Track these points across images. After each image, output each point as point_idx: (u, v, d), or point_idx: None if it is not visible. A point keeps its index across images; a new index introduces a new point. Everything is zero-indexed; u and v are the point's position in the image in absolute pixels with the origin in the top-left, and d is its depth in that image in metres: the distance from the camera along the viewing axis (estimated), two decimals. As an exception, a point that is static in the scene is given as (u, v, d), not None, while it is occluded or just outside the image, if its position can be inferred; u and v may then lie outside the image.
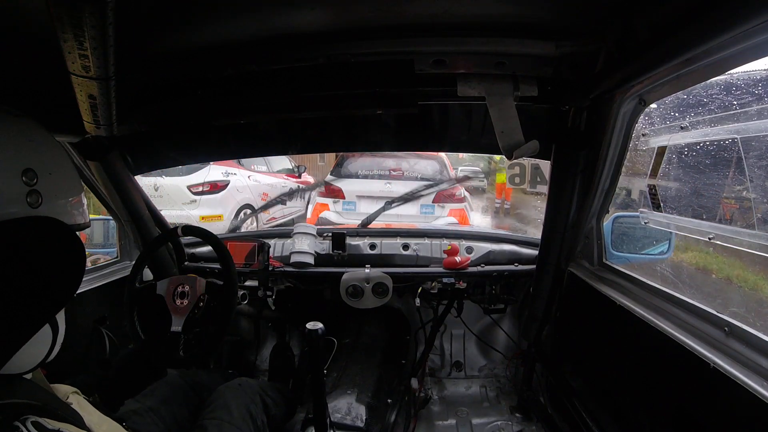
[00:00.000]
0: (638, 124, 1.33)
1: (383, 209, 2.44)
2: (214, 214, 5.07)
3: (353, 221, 3.08)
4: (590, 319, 1.61)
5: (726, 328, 0.98)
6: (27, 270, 0.61)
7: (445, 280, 1.97)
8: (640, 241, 1.83)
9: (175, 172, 4.92)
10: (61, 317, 0.76)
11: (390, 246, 2.10)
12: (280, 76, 1.27)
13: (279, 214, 6.55)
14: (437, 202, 4.84)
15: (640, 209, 1.69)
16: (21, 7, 0.81)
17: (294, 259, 1.97)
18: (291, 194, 6.16)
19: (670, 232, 1.75)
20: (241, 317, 2.32)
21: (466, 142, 1.79)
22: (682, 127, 1.53)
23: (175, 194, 4.93)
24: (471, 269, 2.00)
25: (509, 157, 1.35)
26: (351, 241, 2.10)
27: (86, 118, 1.11)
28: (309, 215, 5.26)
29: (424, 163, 5.12)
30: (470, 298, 2.14)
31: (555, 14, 1.06)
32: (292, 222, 6.61)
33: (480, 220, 8.69)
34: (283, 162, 6.98)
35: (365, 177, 5.01)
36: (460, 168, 13.63)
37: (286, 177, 6.76)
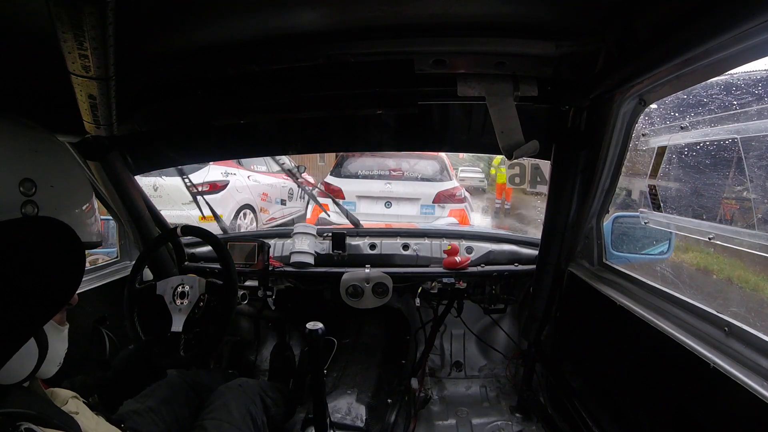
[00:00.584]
0: (638, 124, 1.33)
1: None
2: (214, 214, 5.05)
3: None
4: (590, 319, 1.60)
5: (726, 328, 0.98)
6: (26, 270, 0.61)
7: (445, 280, 1.97)
8: (640, 241, 1.83)
9: (175, 172, 4.90)
10: (59, 335, 0.76)
11: (390, 246, 2.10)
12: (280, 76, 1.27)
13: (279, 214, 6.55)
14: (437, 203, 4.84)
15: (640, 209, 1.69)
16: (21, 7, 0.81)
17: (294, 259, 1.97)
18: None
19: (670, 232, 1.75)
20: (241, 317, 2.32)
21: (466, 142, 1.79)
22: (682, 127, 1.53)
23: (175, 194, 4.92)
24: (471, 269, 2.00)
25: (509, 157, 1.35)
26: (351, 241, 2.10)
27: (86, 118, 1.11)
28: (309, 215, 5.26)
29: (424, 163, 5.12)
30: (470, 298, 2.14)
31: (555, 14, 1.06)
32: (292, 222, 6.61)
33: (480, 221, 8.69)
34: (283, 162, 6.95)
35: (365, 177, 5.01)
36: (460, 168, 13.66)
37: (285, 177, 6.75)
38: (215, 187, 5.15)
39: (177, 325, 1.40)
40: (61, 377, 0.79)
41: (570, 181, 1.51)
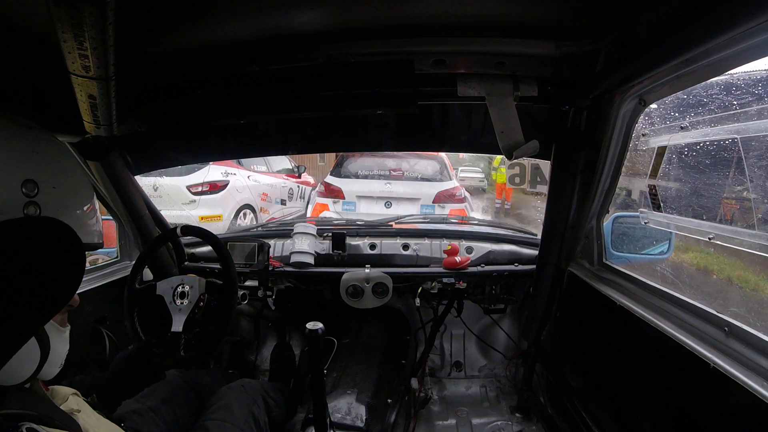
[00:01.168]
0: (638, 124, 1.33)
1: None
2: (214, 214, 5.06)
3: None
4: (590, 319, 1.60)
5: (726, 328, 0.98)
6: (25, 270, 0.61)
7: (445, 280, 1.97)
8: (640, 241, 1.83)
9: (175, 172, 4.91)
10: (61, 336, 0.76)
11: (390, 246, 2.10)
12: (280, 76, 1.27)
13: (279, 214, 6.56)
14: (437, 202, 4.84)
15: (640, 209, 1.69)
16: (21, 7, 0.81)
17: (294, 259, 1.97)
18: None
19: (670, 232, 1.75)
20: (241, 317, 2.32)
21: (466, 142, 1.79)
22: (682, 127, 1.53)
23: (175, 194, 4.92)
24: (471, 269, 2.00)
25: (509, 157, 1.35)
26: (351, 241, 2.10)
27: (86, 118, 1.11)
28: (309, 215, 5.26)
29: (424, 163, 5.12)
30: (470, 298, 2.14)
31: (555, 14, 1.06)
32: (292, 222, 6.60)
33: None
34: (283, 162, 6.98)
35: (365, 177, 5.01)
36: (460, 168, 13.66)
37: (285, 177, 6.77)
38: (215, 187, 5.15)
39: (177, 325, 1.40)
40: (60, 377, 0.79)
41: (570, 181, 1.51)
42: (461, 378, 2.32)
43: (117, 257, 1.91)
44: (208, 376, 1.53)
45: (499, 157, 6.65)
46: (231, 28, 1.08)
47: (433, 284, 2.00)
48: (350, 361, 1.91)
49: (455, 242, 2.07)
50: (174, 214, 4.71)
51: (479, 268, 2.00)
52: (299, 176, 7.15)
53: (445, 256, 2.02)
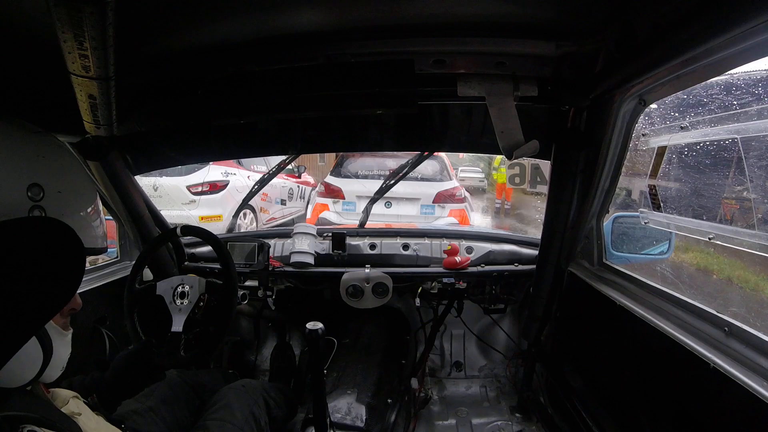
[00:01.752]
0: (638, 124, 1.33)
1: (373, 200, 2.43)
2: (214, 214, 5.06)
3: (353, 221, 3.08)
4: (590, 319, 1.60)
5: (726, 328, 0.98)
6: (25, 269, 0.61)
7: (445, 280, 1.97)
8: (640, 241, 1.83)
9: (175, 172, 4.92)
10: (63, 339, 0.76)
11: (390, 246, 2.10)
12: (280, 76, 1.27)
13: (279, 214, 6.55)
14: (437, 203, 4.84)
15: (640, 209, 1.69)
16: (21, 7, 0.81)
17: (294, 259, 1.97)
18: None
19: (670, 232, 1.75)
20: (241, 317, 2.32)
21: (466, 142, 1.79)
22: (682, 127, 1.53)
23: (175, 194, 4.92)
24: (471, 269, 2.00)
25: (509, 157, 1.35)
26: (351, 241, 2.10)
27: (86, 118, 1.11)
28: (309, 215, 5.25)
29: (424, 163, 5.09)
30: (470, 298, 2.14)
31: (555, 14, 1.06)
32: (292, 222, 6.62)
33: (480, 221, 8.70)
34: (283, 162, 6.94)
35: (365, 177, 5.01)
36: (460, 168, 13.66)
37: (286, 177, 6.76)
38: (215, 187, 5.15)
39: (177, 325, 1.40)
40: (61, 378, 0.79)
41: (570, 181, 1.51)
42: (461, 378, 2.32)
43: (117, 257, 1.91)
44: (208, 376, 1.53)
45: (499, 157, 6.65)
46: (231, 28, 1.08)
47: (433, 284, 2.00)
48: (350, 361, 1.91)
49: (455, 242, 2.07)
50: (174, 214, 4.71)
51: (479, 268, 2.00)
52: (299, 176, 7.15)
53: (445, 256, 2.02)
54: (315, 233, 2.06)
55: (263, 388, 1.42)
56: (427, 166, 5.07)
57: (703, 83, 1.16)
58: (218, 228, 4.59)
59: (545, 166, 1.88)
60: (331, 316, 1.57)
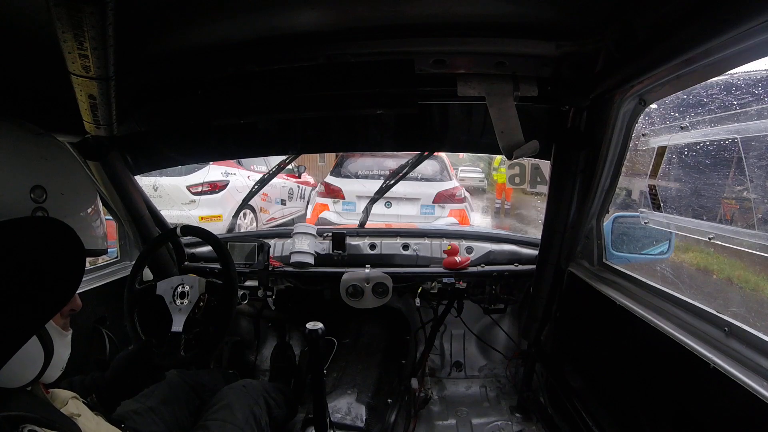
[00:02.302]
0: (638, 124, 1.33)
1: (373, 200, 2.43)
2: (214, 214, 5.06)
3: (353, 221, 3.08)
4: (590, 319, 1.60)
5: (726, 328, 0.98)
6: (25, 269, 0.61)
7: (445, 280, 1.97)
8: (640, 241, 1.83)
9: (175, 172, 4.92)
10: (63, 340, 0.76)
11: (390, 246, 2.10)
12: (280, 76, 1.27)
13: (279, 214, 6.55)
14: (437, 203, 4.84)
15: (640, 209, 1.69)
16: (21, 7, 0.81)
17: (294, 259, 1.97)
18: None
19: (670, 232, 1.75)
20: (241, 317, 2.32)
21: (466, 142, 1.79)
22: (682, 127, 1.53)
23: (175, 194, 4.93)
24: (471, 269, 2.00)
25: (509, 157, 1.35)
26: (351, 241, 2.10)
27: (86, 118, 1.11)
28: (309, 215, 5.25)
29: (424, 163, 5.09)
30: (470, 298, 2.14)
31: (555, 14, 1.06)
32: (292, 222, 6.62)
33: (480, 221, 8.70)
34: (283, 162, 6.94)
35: (365, 177, 5.01)
36: (460, 168, 13.66)
37: (286, 177, 6.76)
38: (215, 187, 5.15)
39: (177, 325, 1.40)
40: (60, 377, 0.79)
41: (570, 181, 1.51)
42: (461, 378, 2.32)
43: (117, 257, 1.91)
44: (208, 376, 1.53)
45: (499, 157, 6.64)
46: (231, 28, 1.08)
47: (433, 284, 2.00)
48: (350, 361, 1.91)
49: (455, 242, 2.07)
50: (174, 214, 4.71)
51: (479, 268, 2.00)
52: (299, 176, 7.14)
53: (445, 256, 2.02)
54: (315, 233, 2.06)
55: (264, 388, 1.42)
56: (427, 166, 5.07)
57: (703, 83, 1.16)
58: (218, 228, 4.59)
59: (545, 166, 1.88)
60: (331, 316, 1.57)
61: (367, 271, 1.96)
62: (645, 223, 1.66)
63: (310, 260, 1.99)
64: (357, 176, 5.05)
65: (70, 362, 0.79)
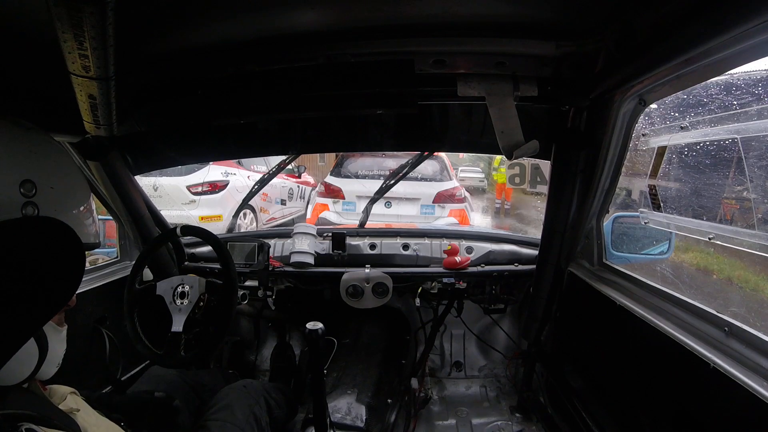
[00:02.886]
0: (638, 124, 1.33)
1: (373, 200, 2.43)
2: (214, 214, 5.06)
3: (353, 221, 3.08)
4: (590, 319, 1.60)
5: (726, 328, 0.98)
6: (25, 270, 0.61)
7: (445, 280, 1.97)
8: (640, 241, 1.83)
9: (175, 172, 4.92)
10: (58, 336, 0.76)
11: (390, 246, 2.10)
12: (280, 76, 1.27)
13: (279, 214, 6.55)
14: (437, 203, 4.84)
15: (640, 209, 1.69)
16: (21, 7, 0.81)
17: (294, 259, 1.97)
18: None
19: (670, 232, 1.75)
20: (241, 317, 2.32)
21: (466, 142, 1.79)
22: (682, 127, 1.53)
23: (175, 194, 4.93)
24: (471, 269, 2.00)
25: (509, 157, 1.35)
26: (351, 241, 2.10)
27: (86, 118, 1.11)
28: (309, 215, 5.26)
29: (424, 163, 5.10)
30: (470, 298, 2.14)
31: (555, 14, 1.06)
32: (292, 222, 6.61)
33: (480, 221, 8.70)
34: (283, 162, 6.95)
35: (365, 177, 5.02)
36: (460, 168, 13.66)
37: (286, 177, 6.76)
38: (215, 187, 5.15)
39: (177, 325, 1.40)
40: (58, 377, 0.79)
41: (570, 181, 1.51)
42: (461, 378, 2.32)
43: (117, 257, 1.91)
44: (208, 376, 1.53)
45: (499, 157, 6.65)
46: (231, 28, 1.08)
47: (433, 284, 2.00)
48: (350, 361, 1.91)
49: (455, 242, 2.07)
50: (174, 214, 4.71)
51: (479, 268, 2.00)
52: (299, 176, 7.14)
53: (445, 256, 2.02)
54: (315, 233, 2.06)
55: (264, 388, 1.42)
56: (427, 166, 5.07)
57: (703, 83, 1.16)
58: (218, 228, 4.59)
59: (545, 166, 1.88)
60: (331, 316, 1.57)
61: (367, 271, 1.96)
62: (645, 223, 1.66)
63: (310, 260, 1.99)
64: (357, 176, 5.05)
65: (69, 362, 0.79)
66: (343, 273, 1.96)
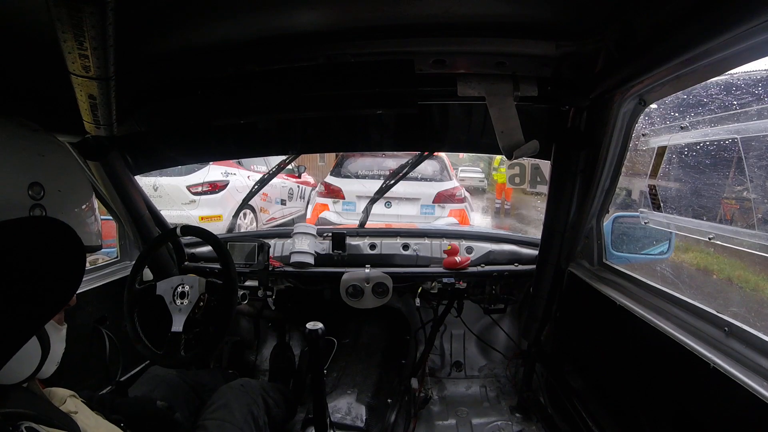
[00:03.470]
0: (638, 124, 1.33)
1: (373, 200, 2.43)
2: (214, 214, 5.07)
3: (353, 221, 3.08)
4: (590, 319, 1.60)
5: (726, 328, 0.98)
6: (26, 269, 0.61)
7: (445, 280, 1.97)
8: (640, 241, 1.83)
9: (175, 172, 4.92)
10: (58, 334, 0.76)
11: (390, 246, 2.10)
12: (281, 76, 1.27)
13: (279, 214, 6.55)
14: (437, 203, 4.84)
15: (640, 209, 1.69)
16: (21, 7, 0.81)
17: (294, 259, 1.97)
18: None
19: (670, 232, 1.75)
20: (241, 317, 2.32)
21: (466, 142, 1.79)
22: (682, 127, 1.53)
23: (175, 194, 4.93)
24: (471, 269, 2.00)
25: (509, 157, 1.35)
26: (351, 241, 2.10)
27: (86, 118, 1.11)
28: (309, 215, 5.26)
29: (424, 163, 5.10)
30: (470, 298, 2.14)
31: (555, 14, 1.06)
32: (292, 222, 6.61)
33: (480, 221, 8.70)
34: (283, 162, 6.95)
35: (365, 177, 5.02)
36: (460, 168, 13.67)
37: (286, 177, 6.76)
38: (215, 187, 5.15)
39: (177, 325, 1.40)
40: (57, 375, 0.79)
41: (570, 181, 1.51)
42: (461, 378, 2.32)
43: (117, 257, 1.91)
44: (209, 375, 1.53)
45: (499, 157, 6.64)
46: (231, 28, 1.08)
47: (433, 284, 2.00)
48: (350, 361, 1.91)
49: (455, 242, 2.07)
50: (174, 214, 4.71)
51: (479, 268, 2.00)
52: (299, 176, 7.14)
53: (445, 256, 2.02)
54: (315, 233, 2.06)
55: (262, 387, 1.42)
56: (427, 166, 5.07)
57: (703, 83, 1.15)
58: (218, 228, 4.59)
59: (545, 166, 1.88)
60: (331, 316, 1.57)
61: (367, 271, 1.96)
62: (645, 223, 1.66)
63: (310, 260, 1.99)
64: (357, 176, 5.05)
65: (69, 362, 0.79)
66: (343, 273, 1.96)
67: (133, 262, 1.64)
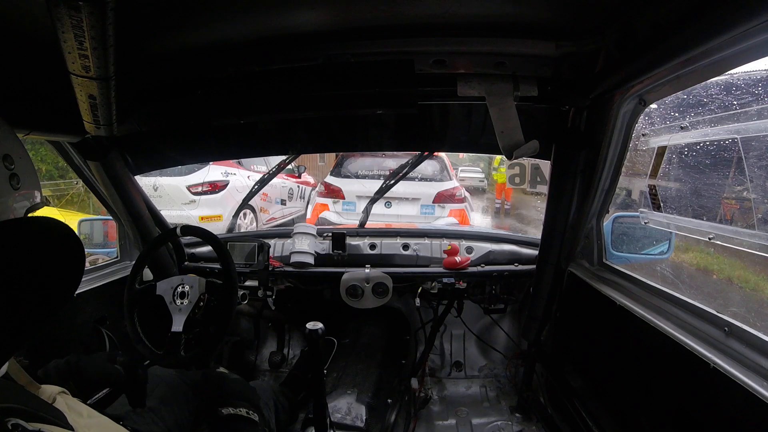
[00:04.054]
0: (638, 124, 1.33)
1: (373, 200, 2.43)
2: (214, 214, 5.07)
3: (353, 221, 3.08)
4: (590, 319, 1.60)
5: (726, 328, 0.98)
6: (26, 270, 0.61)
7: (445, 280, 1.97)
8: (640, 241, 1.83)
9: (175, 172, 4.92)
10: None
11: (390, 246, 2.10)
12: (281, 76, 1.27)
13: (279, 214, 6.55)
14: (437, 203, 4.84)
15: (640, 209, 1.69)
16: (21, 8, 0.81)
17: (294, 259, 1.97)
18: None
19: (670, 232, 1.75)
20: (241, 317, 2.32)
21: (466, 142, 1.79)
22: (682, 127, 1.53)
23: (175, 194, 4.93)
24: (471, 269, 2.00)
25: (509, 157, 1.35)
26: (351, 241, 2.10)
27: (86, 118, 1.11)
28: (309, 215, 5.26)
29: (424, 163, 5.10)
30: (470, 298, 2.14)
31: (555, 14, 1.06)
32: (292, 222, 6.62)
33: (480, 221, 8.70)
34: (283, 162, 6.95)
35: (365, 177, 5.02)
36: (460, 168, 13.67)
37: (286, 177, 6.76)
38: (215, 187, 5.15)
39: (177, 325, 1.40)
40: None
41: (570, 181, 1.51)
42: (461, 378, 2.32)
43: (117, 257, 1.91)
44: (237, 384, 1.48)
45: (499, 157, 6.65)
46: (231, 28, 1.08)
47: (433, 284, 2.00)
48: (350, 361, 1.91)
49: (455, 242, 2.07)
50: (174, 214, 4.72)
51: (479, 268, 2.00)
52: (299, 176, 7.15)
53: (445, 256, 2.02)
54: (315, 233, 2.06)
55: (273, 391, 1.43)
56: (427, 166, 5.07)
57: (703, 83, 1.15)
58: (218, 228, 4.59)
59: (545, 166, 1.88)
60: (331, 316, 1.57)
61: (367, 271, 1.96)
62: (645, 223, 1.66)
63: (310, 260, 1.99)
64: (357, 176, 5.05)
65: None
66: (343, 273, 1.96)
67: (133, 262, 1.64)
